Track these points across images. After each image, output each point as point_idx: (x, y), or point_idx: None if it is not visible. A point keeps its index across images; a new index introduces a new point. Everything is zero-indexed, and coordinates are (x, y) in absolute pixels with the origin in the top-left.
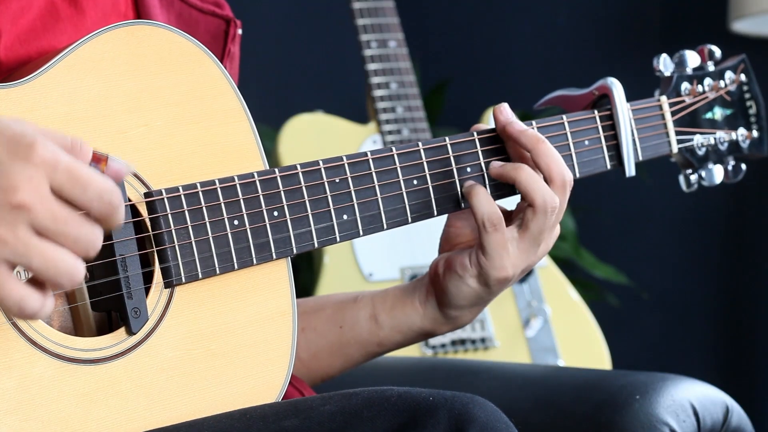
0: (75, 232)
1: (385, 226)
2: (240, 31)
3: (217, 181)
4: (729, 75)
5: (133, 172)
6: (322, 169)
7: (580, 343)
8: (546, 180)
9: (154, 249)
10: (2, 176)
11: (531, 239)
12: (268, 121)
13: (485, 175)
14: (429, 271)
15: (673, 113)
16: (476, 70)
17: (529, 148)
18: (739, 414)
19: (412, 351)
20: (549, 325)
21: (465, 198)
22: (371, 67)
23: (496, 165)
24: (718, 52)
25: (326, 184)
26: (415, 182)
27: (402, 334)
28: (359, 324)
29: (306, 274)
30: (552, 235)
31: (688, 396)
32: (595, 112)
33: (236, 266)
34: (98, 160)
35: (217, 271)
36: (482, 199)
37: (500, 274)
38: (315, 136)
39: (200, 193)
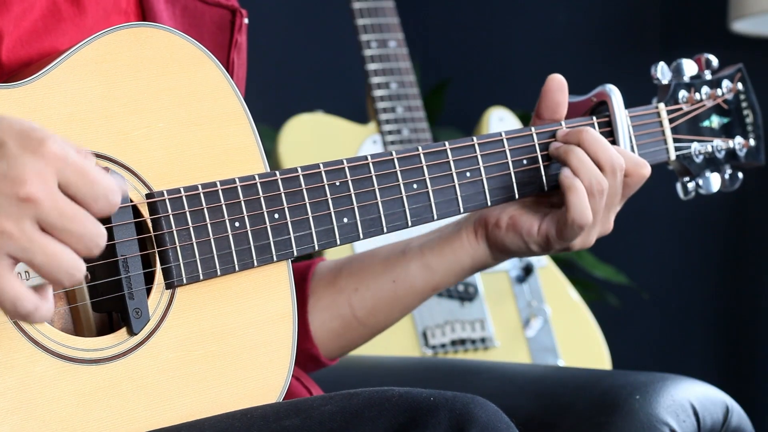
0: (80, 229)
1: (384, 230)
2: (246, 21)
3: (218, 183)
4: (726, 83)
5: (125, 193)
6: (323, 172)
7: (580, 343)
8: (597, 166)
9: (156, 250)
10: (11, 168)
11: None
12: (268, 121)
13: (484, 180)
14: (481, 216)
15: (670, 121)
16: (476, 70)
17: (577, 143)
18: (739, 414)
19: (412, 351)
20: (549, 325)
21: (559, 187)
22: (371, 67)
23: (554, 145)
24: (715, 60)
25: (327, 187)
26: (414, 186)
27: (455, 275)
28: (412, 274)
29: None
30: (609, 217)
31: (688, 396)
32: (594, 118)
33: (237, 268)
34: None
35: (218, 273)
36: (581, 198)
37: (563, 247)
38: (315, 136)
39: (201, 195)
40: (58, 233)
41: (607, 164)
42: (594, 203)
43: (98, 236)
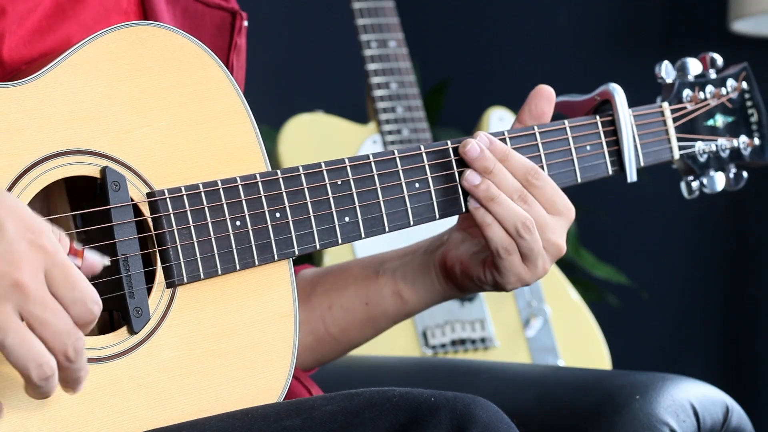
0: (59, 326)
1: (386, 229)
2: (246, 23)
3: (219, 182)
4: (731, 82)
5: (106, 264)
6: (324, 171)
7: (580, 343)
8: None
9: (156, 249)
10: (8, 251)
11: (528, 254)
12: (269, 121)
13: None
14: (441, 257)
15: (674, 120)
16: (476, 70)
17: (480, 199)
18: (739, 414)
19: (413, 351)
20: (549, 325)
21: (477, 223)
22: (371, 67)
23: (470, 182)
24: (720, 59)
25: (328, 186)
26: (417, 185)
27: (427, 305)
28: (385, 300)
29: None
30: (550, 252)
31: (688, 396)
32: (597, 117)
33: (238, 267)
34: (75, 253)
35: (219, 272)
36: (494, 230)
37: (515, 285)
38: (315, 136)
39: (202, 194)
40: (37, 324)
41: (510, 227)
42: (529, 240)
43: (75, 339)
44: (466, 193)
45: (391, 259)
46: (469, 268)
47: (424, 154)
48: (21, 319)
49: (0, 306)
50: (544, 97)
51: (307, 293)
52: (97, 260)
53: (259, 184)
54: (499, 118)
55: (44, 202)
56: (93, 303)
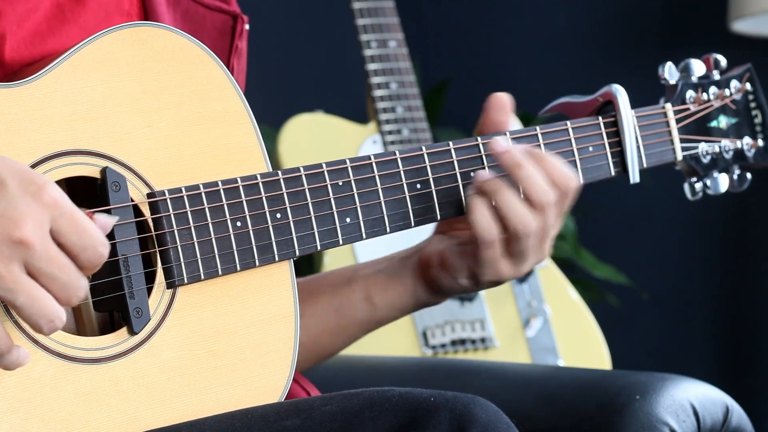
0: (65, 278)
1: (388, 230)
2: (247, 27)
3: (220, 183)
4: (734, 84)
5: (116, 221)
6: (325, 172)
7: (580, 343)
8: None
9: (157, 249)
10: (9, 209)
11: (517, 256)
12: (269, 121)
13: None
14: (419, 257)
15: (677, 121)
16: (476, 70)
17: (508, 172)
18: (739, 414)
19: (412, 351)
20: (549, 325)
21: (468, 210)
22: (371, 67)
23: (480, 178)
24: (723, 60)
25: (329, 186)
26: (418, 186)
27: (399, 312)
28: (355, 307)
29: (306, 275)
30: (542, 248)
31: (688, 396)
32: (600, 118)
33: (239, 267)
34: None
35: (220, 272)
36: (479, 215)
37: (491, 279)
38: (315, 136)
39: (203, 195)
40: (44, 279)
41: (537, 202)
42: (521, 244)
43: (81, 288)
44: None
45: (366, 266)
46: (447, 258)
47: (425, 155)
48: (29, 275)
49: (8, 266)
50: (498, 107)
51: None
52: (108, 220)
53: (260, 184)
54: None
55: None
56: (102, 246)
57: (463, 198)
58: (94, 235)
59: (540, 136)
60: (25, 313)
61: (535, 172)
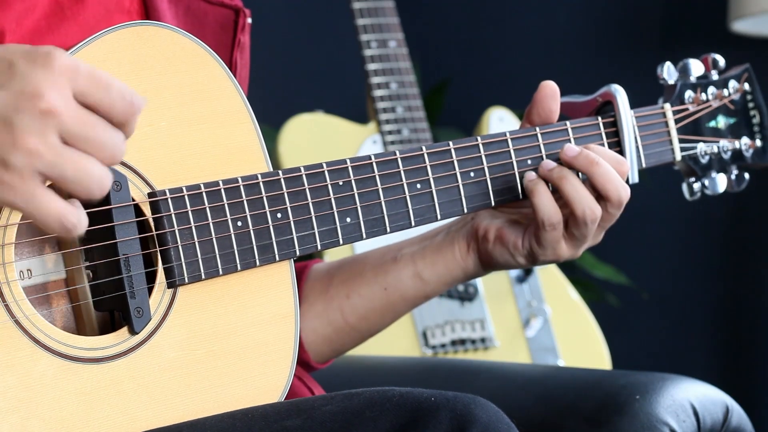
0: (102, 137)
1: (388, 230)
2: (249, 20)
3: (220, 182)
4: (733, 84)
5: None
6: (326, 172)
7: (580, 343)
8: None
9: (158, 249)
10: (26, 84)
11: (578, 239)
12: (269, 121)
13: (488, 180)
14: (469, 230)
15: (676, 121)
16: (476, 70)
17: (586, 172)
18: (739, 414)
19: (412, 351)
20: (549, 325)
21: (524, 192)
22: (371, 67)
23: (546, 167)
24: (722, 61)
25: (330, 186)
26: (418, 186)
27: (447, 285)
28: (403, 283)
29: None
30: (600, 234)
31: (688, 396)
32: (599, 118)
33: (239, 267)
34: None
35: (220, 272)
36: (545, 199)
37: (550, 259)
38: (315, 136)
39: (204, 194)
40: (82, 143)
41: (614, 198)
42: (585, 229)
43: (119, 143)
44: (467, 195)
45: (409, 244)
46: (505, 235)
47: (425, 155)
48: (67, 143)
49: (45, 139)
50: (550, 95)
51: (325, 284)
52: (140, 102)
53: (261, 184)
54: (499, 118)
55: None
56: (132, 95)
57: (463, 198)
58: (119, 86)
59: (539, 136)
60: (75, 184)
61: (612, 169)
